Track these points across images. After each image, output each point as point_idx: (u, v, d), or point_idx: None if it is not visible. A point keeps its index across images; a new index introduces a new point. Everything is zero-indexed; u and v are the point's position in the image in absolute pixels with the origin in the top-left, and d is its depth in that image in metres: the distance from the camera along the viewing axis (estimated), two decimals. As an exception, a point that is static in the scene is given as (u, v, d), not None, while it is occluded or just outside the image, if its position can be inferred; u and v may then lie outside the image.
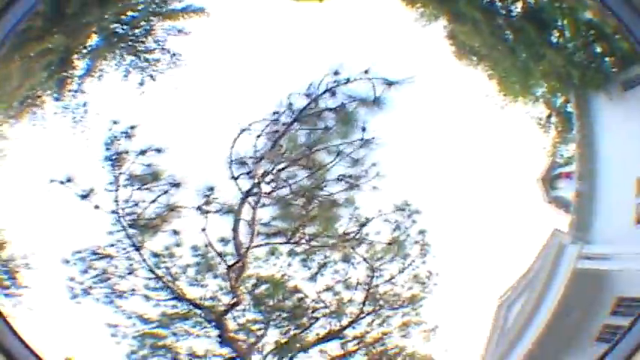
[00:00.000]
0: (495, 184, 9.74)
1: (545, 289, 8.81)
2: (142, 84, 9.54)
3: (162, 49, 9.62)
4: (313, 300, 9.50)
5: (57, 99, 9.64)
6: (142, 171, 8.63)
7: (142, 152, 8.64)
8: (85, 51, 9.52)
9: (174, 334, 8.86)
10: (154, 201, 8.45)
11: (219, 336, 8.61)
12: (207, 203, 8.30)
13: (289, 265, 9.26)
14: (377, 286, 9.88)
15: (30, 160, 9.17)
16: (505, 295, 9.76)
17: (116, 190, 8.52)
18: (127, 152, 8.70)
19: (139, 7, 9.60)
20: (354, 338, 9.78)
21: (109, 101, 9.51)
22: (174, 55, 9.62)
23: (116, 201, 8.49)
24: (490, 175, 9.78)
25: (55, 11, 8.59)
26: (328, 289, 9.62)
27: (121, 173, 8.66)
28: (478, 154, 9.95)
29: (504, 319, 9.53)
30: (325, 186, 9.03)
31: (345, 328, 9.77)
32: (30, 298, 8.71)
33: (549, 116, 10.18)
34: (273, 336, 9.45)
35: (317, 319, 9.58)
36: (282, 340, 9.45)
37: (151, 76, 9.55)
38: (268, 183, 8.75)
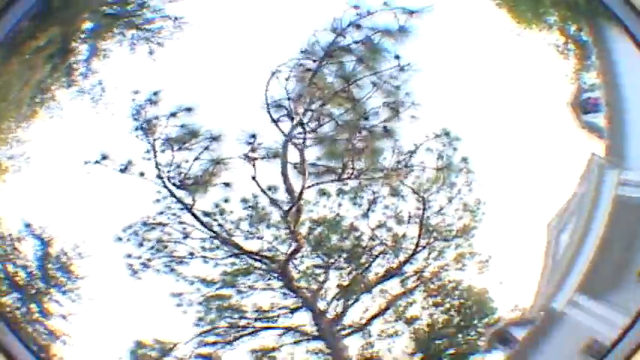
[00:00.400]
0: (526, 109, 9.50)
1: (591, 215, 8.63)
2: (151, 53, 9.19)
3: (162, 16, 9.26)
4: (369, 238, 9.33)
5: (69, 85, 9.33)
6: (176, 132, 8.38)
7: (173, 114, 8.38)
8: (83, 36, 9.20)
9: (239, 292, 8.72)
10: (197, 158, 8.22)
11: (284, 286, 8.46)
12: (252, 150, 8.05)
13: (340, 205, 9.06)
14: (428, 218, 9.71)
15: (58, 152, 8.89)
16: (553, 222, 9.58)
17: (155, 157, 8.28)
18: (156, 118, 8.45)
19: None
20: (413, 274, 9.63)
21: (124, 74, 9.21)
22: (176, 19, 9.24)
23: (158, 167, 8.25)
24: (519, 101, 9.54)
25: (41, 7, 8.25)
26: (381, 225, 9.44)
27: (155, 139, 8.41)
28: (504, 80, 9.70)
29: (555, 246, 9.37)
30: (366, 118, 8.79)
31: (403, 264, 9.61)
32: (89, 288, 8.54)
33: (566, 43, 9.91)
34: (334, 280, 9.30)
35: (376, 257, 9.42)
36: (345, 283, 9.30)
37: (159, 44, 9.21)
38: (309, 122, 8.49)
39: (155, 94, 8.37)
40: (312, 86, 8.61)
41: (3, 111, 8.98)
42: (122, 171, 8.08)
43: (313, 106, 8.71)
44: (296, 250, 8.31)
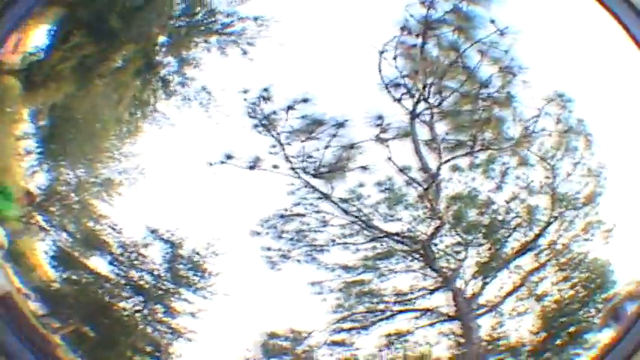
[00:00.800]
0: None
1: None
2: (245, 53, 9.23)
3: (240, 18, 9.27)
4: (505, 211, 9.05)
5: (169, 96, 9.57)
6: (299, 124, 8.43)
7: (290, 107, 8.43)
8: (163, 49, 9.42)
9: (380, 276, 8.64)
10: (327, 146, 8.22)
11: (425, 266, 8.29)
12: (382, 132, 7.97)
13: (473, 179, 8.83)
14: (557, 186, 9.35)
15: (174, 159, 9.19)
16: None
17: (283, 150, 8.35)
18: (274, 113, 8.53)
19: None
20: (546, 247, 9.28)
21: (225, 77, 9.38)
22: (256, 18, 9.23)
23: (287, 159, 8.32)
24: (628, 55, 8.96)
25: (102, 30, 8.50)
26: (515, 197, 9.14)
27: (279, 133, 8.50)
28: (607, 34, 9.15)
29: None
30: (485, 86, 8.58)
31: (537, 237, 9.27)
32: (223, 285, 8.76)
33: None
34: (473, 258, 9.10)
35: (512, 231, 9.12)
36: (482, 260, 9.05)
37: (249, 44, 9.23)
38: (431, 97, 8.37)
39: (265, 90, 8.43)
40: (424, 61, 8.49)
41: (100, 131, 9.39)
42: (251, 168, 8.17)
43: (429, 81, 8.59)
44: (438, 228, 8.14)
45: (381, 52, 8.50)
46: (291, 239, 8.53)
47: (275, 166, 8.24)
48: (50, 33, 9.09)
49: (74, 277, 8.86)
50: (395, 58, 8.55)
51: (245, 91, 8.56)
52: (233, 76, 9.23)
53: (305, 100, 8.43)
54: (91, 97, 8.43)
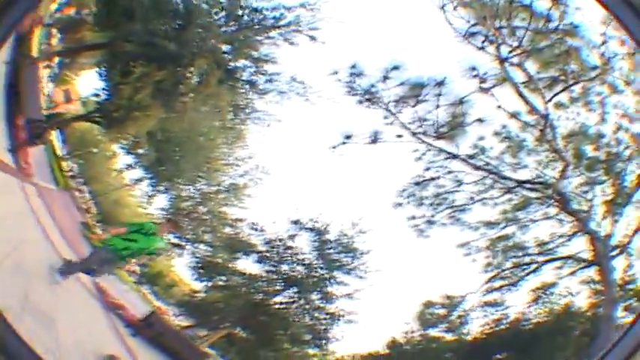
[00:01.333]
0: None
1: None
2: (313, 38, 8.99)
3: (287, 8, 9.03)
4: (616, 143, 8.85)
5: (263, 94, 9.09)
6: (401, 91, 8.27)
7: (385, 77, 8.30)
8: (229, 57, 9.21)
9: (520, 228, 8.31)
10: (437, 106, 8.06)
11: (560, 210, 8.03)
12: (482, 82, 7.89)
13: (578, 113, 8.71)
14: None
15: (292, 151, 8.74)
16: None
17: (397, 119, 8.15)
18: (372, 86, 8.36)
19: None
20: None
21: (308, 64, 9.05)
22: (302, 5, 9.00)
23: (405, 127, 8.11)
24: None
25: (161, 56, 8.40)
26: (619, 128, 8.98)
27: (387, 104, 8.31)
28: None
29: None
30: (548, 20, 8.56)
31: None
32: (375, 261, 8.39)
33: None
34: (599, 197, 8.72)
35: (627, 161, 8.90)
36: (608, 198, 8.74)
37: (312, 29, 8.97)
38: (508, 39, 8.32)
39: (353, 66, 8.36)
40: (484, 5, 8.48)
41: (205, 143, 9.08)
42: (373, 142, 8.01)
43: (498, 25, 8.52)
44: (564, 169, 7.91)
45: (442, 7, 8.48)
46: (432, 204, 8.25)
47: (399, 136, 8.06)
48: (100, 74, 8.90)
49: (221, 283, 8.20)
50: (455, 8, 8.50)
51: (335, 72, 8.43)
52: (315, 61, 8.94)
53: (396, 68, 8.35)
54: (185, 115, 8.13)
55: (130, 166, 9.08)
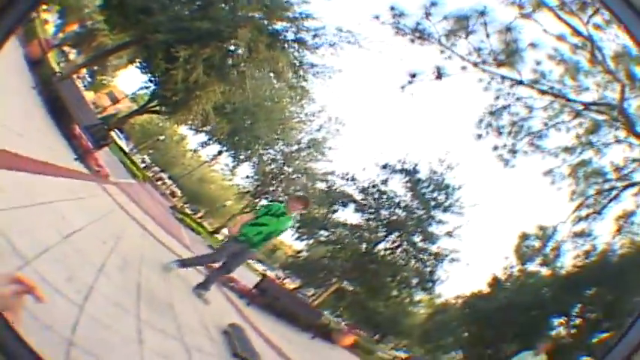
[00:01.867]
0: None
1: None
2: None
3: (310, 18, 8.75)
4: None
5: (314, 49, 8.93)
6: (448, 25, 8.02)
7: (427, 14, 8.05)
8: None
9: (597, 154, 8.13)
10: (487, 35, 7.82)
11: (629, 134, 7.76)
12: (520, 7, 7.60)
13: (616, 35, 8.28)
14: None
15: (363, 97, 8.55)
16: None
17: (454, 52, 7.96)
18: (418, 24, 8.10)
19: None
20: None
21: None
22: None
23: (463, 58, 7.93)
24: None
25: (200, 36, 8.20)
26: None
27: (439, 38, 8.08)
28: None
29: None
30: None
31: None
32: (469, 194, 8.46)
33: None
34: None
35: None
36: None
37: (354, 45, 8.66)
38: None
39: (392, 8, 8.15)
40: None
41: (273, 105, 9.34)
42: (438, 77, 7.90)
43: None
44: (622, 90, 7.62)
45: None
46: (510, 132, 8.13)
47: (463, 67, 7.90)
48: (141, 69, 8.87)
49: (323, 239, 8.38)
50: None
51: (377, 17, 8.23)
52: (351, 10, 8.62)
53: (434, 4, 8.11)
54: (245, 84, 8.09)
55: (204, 144, 9.21)
